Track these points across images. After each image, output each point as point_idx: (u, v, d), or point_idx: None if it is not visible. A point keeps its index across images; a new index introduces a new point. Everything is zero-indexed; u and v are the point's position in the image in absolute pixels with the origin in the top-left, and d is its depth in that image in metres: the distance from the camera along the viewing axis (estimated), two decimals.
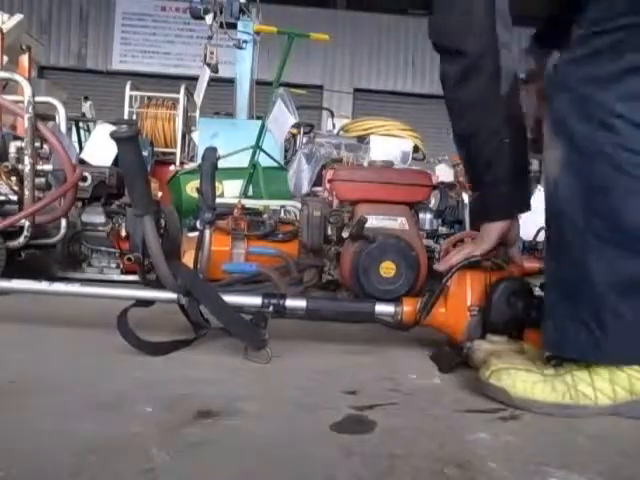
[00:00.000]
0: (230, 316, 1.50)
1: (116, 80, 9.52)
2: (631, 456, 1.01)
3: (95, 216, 2.85)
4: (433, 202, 3.21)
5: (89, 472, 0.84)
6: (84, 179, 2.66)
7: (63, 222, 2.53)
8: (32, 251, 2.59)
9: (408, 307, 1.56)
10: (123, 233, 2.82)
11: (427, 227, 3.04)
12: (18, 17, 4.37)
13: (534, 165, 3.33)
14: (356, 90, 11.84)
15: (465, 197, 3.28)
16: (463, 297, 1.52)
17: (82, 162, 2.79)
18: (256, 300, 1.55)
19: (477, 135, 1.49)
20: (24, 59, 4.12)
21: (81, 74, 11.44)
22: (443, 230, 3.11)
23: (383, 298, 2.26)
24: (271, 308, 1.53)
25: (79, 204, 2.81)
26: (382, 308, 1.57)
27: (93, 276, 2.82)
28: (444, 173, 4.17)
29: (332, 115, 7.29)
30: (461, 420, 1.13)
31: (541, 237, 2.73)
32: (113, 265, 2.88)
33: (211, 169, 1.69)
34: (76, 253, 2.88)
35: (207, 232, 1.77)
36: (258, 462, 0.91)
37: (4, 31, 3.98)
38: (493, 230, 1.54)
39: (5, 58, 3.91)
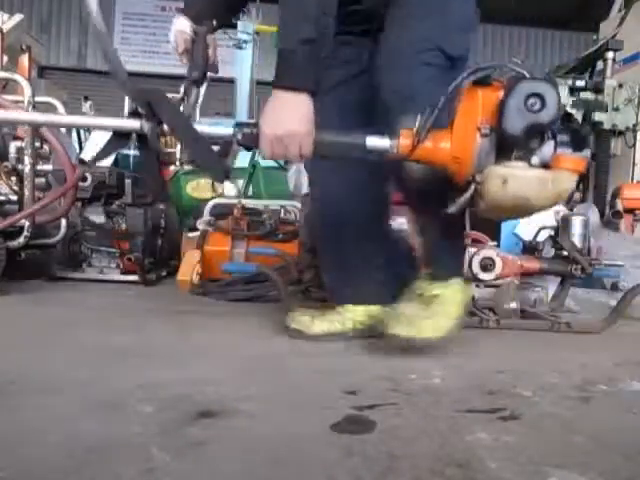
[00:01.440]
0: (197, 144, 1.40)
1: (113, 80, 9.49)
2: (631, 456, 1.01)
3: (95, 216, 2.85)
4: None
5: (89, 472, 0.84)
6: (84, 179, 2.66)
7: (63, 222, 2.54)
8: (32, 251, 2.59)
9: (405, 140, 1.33)
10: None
11: None
12: (18, 17, 4.36)
13: None
14: None
15: None
16: (473, 115, 1.27)
17: (82, 162, 2.79)
18: (227, 130, 1.42)
19: None
20: (24, 59, 4.11)
21: (81, 74, 11.42)
22: None
23: None
24: (240, 136, 1.39)
25: (79, 204, 2.81)
26: (375, 142, 1.36)
27: (93, 276, 2.82)
28: None
29: None
30: (461, 420, 1.13)
31: (541, 237, 2.73)
32: (113, 265, 2.88)
33: None
34: (76, 253, 2.88)
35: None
36: (258, 462, 0.91)
37: (4, 31, 3.98)
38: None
39: (5, 58, 3.90)
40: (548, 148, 1.28)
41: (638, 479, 0.94)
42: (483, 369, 1.52)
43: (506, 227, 3.12)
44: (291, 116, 1.32)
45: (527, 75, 1.27)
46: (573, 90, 3.65)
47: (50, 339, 1.51)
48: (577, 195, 4.13)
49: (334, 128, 1.48)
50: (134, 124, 1.41)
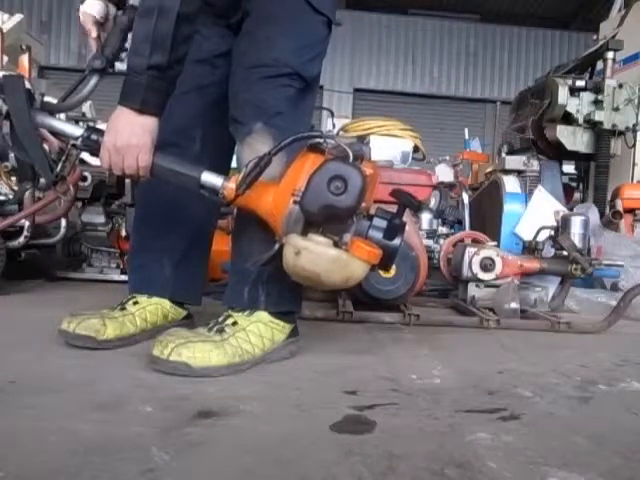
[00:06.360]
0: (29, 140, 1.38)
1: (116, 80, 9.51)
2: (631, 456, 1.01)
3: (95, 216, 2.85)
4: (433, 202, 3.21)
5: (89, 472, 0.84)
6: (84, 179, 2.66)
7: (63, 222, 2.53)
8: (32, 251, 2.59)
9: (231, 184, 1.33)
10: (123, 233, 2.82)
11: (427, 227, 3.05)
12: (18, 17, 4.36)
13: (534, 166, 3.33)
14: (356, 90, 11.83)
15: (465, 197, 3.28)
16: (295, 179, 1.25)
17: (82, 162, 2.79)
18: (77, 131, 1.41)
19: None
20: (24, 59, 4.11)
21: (81, 74, 11.41)
22: (443, 230, 3.11)
23: (384, 298, 2.28)
24: (80, 140, 1.37)
25: (79, 204, 2.81)
26: (209, 179, 1.35)
27: (93, 276, 2.82)
28: (444, 173, 4.17)
29: (332, 115, 7.28)
30: (461, 420, 1.13)
31: (541, 237, 2.73)
32: (113, 265, 2.88)
33: None
34: (76, 253, 2.88)
35: None
36: (258, 462, 0.91)
37: (4, 31, 3.97)
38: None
39: (5, 58, 3.90)
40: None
41: (638, 479, 0.94)
42: (483, 369, 1.52)
43: (506, 227, 3.13)
44: (131, 130, 1.32)
45: (349, 153, 1.25)
46: (573, 90, 3.65)
47: (50, 339, 1.51)
48: (577, 195, 4.13)
49: (200, 123, 1.62)
50: None
